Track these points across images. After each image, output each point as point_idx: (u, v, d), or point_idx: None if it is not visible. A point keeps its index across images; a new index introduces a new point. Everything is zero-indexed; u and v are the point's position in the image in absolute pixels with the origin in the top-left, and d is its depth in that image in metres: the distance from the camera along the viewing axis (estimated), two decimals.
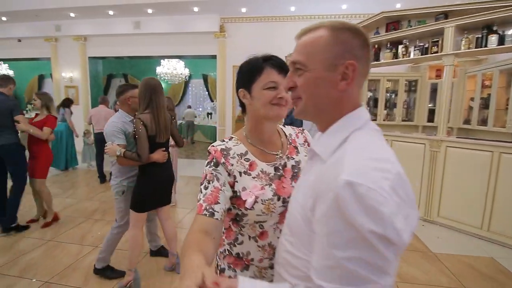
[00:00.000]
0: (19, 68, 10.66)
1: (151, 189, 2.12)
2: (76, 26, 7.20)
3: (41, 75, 11.75)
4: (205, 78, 12.13)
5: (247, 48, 6.80)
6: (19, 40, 7.85)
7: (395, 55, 4.08)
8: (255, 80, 0.90)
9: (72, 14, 6.75)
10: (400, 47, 3.98)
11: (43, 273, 2.37)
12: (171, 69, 9.98)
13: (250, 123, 0.93)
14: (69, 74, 7.70)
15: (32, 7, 6.41)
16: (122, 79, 12.58)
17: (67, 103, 6.01)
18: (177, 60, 10.01)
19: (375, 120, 6.27)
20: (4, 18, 7.10)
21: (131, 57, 7.85)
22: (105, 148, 2.09)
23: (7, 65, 10.77)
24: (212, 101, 12.22)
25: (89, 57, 7.61)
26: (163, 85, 10.80)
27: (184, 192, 4.60)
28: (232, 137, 0.93)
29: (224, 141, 0.91)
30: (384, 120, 6.27)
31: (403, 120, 5.88)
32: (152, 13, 6.48)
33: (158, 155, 2.10)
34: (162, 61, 10.01)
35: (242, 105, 0.95)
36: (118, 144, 2.07)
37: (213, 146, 0.89)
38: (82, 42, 7.42)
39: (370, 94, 6.59)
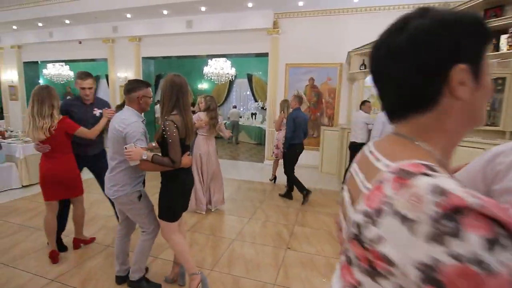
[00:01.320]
0: (78, 69, 11.27)
1: (180, 195, 2.03)
2: (132, 27, 7.35)
3: (97, 75, 12.45)
4: (250, 78, 11.92)
5: (301, 45, 6.39)
6: (80, 42, 8.26)
7: (495, 47, 3.40)
8: (483, 53, 0.49)
9: (128, 15, 6.88)
10: (503, 37, 3.30)
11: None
12: (218, 69, 9.92)
13: (449, 135, 0.50)
14: (124, 74, 7.92)
15: (93, 9, 6.64)
16: None
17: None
18: (224, 59, 9.93)
19: None
20: (67, 21, 7.48)
21: (181, 56, 7.84)
22: (126, 151, 1.82)
23: (68, 66, 11.57)
24: (256, 101, 12.00)
25: (142, 58, 7.75)
26: (209, 85, 10.86)
27: (239, 199, 4.32)
28: (432, 167, 0.41)
29: (433, 174, 0.39)
30: None
31: (485, 125, 5.04)
32: (205, 11, 6.35)
33: (187, 159, 1.97)
34: (209, 61, 10.01)
35: (431, 99, 0.48)
36: (141, 147, 1.87)
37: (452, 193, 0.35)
38: (136, 42, 7.57)
39: None
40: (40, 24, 7.86)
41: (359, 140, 4.50)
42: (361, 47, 4.94)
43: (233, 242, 2.92)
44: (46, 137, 2.32)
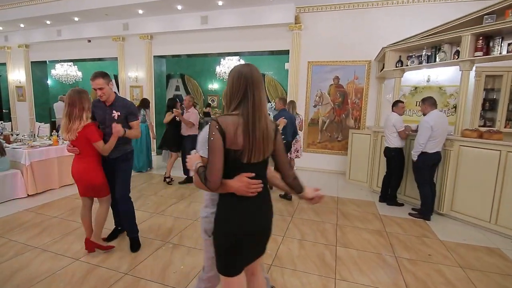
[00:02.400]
0: (86, 69, 11.03)
1: (233, 239, 1.32)
2: (143, 23, 6.97)
3: None
4: (262, 78, 11.47)
5: (325, 41, 5.93)
6: (89, 41, 7.92)
7: None
8: None
9: (140, 11, 6.50)
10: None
11: None
12: (230, 68, 9.49)
13: None
14: (135, 74, 7.55)
15: (103, 5, 6.27)
16: (179, 79, 12.53)
17: (147, 103, 5.93)
18: (237, 58, 9.52)
19: (490, 126, 5.01)
20: (76, 19, 7.14)
21: (192, 55, 7.44)
22: (187, 157, 1.41)
23: (76, 67, 11.24)
24: (269, 102, 11.56)
25: (154, 56, 7.37)
26: (220, 85, 10.45)
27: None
28: None
29: None
30: (505, 127, 4.98)
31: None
32: (222, 5, 5.93)
33: (239, 183, 1.27)
34: (222, 60, 9.61)
35: None
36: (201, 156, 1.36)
37: None
38: (148, 40, 7.19)
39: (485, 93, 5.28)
40: (48, 22, 7.54)
41: (392, 145, 4.02)
42: (397, 42, 4.46)
43: (271, 268, 2.49)
44: (75, 139, 2.46)
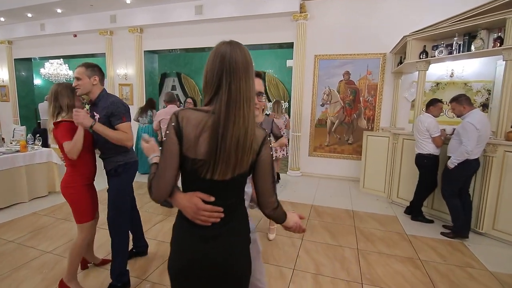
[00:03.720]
0: (75, 66, 10.41)
1: (171, 273, 1.05)
2: (132, 15, 6.34)
3: None
4: (262, 76, 10.84)
5: (334, 32, 5.27)
6: (75, 35, 7.29)
7: None
8: None
9: (128, 1, 5.87)
10: None
11: None
12: None
13: None
14: (124, 71, 6.91)
15: None
16: (175, 78, 11.88)
17: (153, 104, 5.58)
18: None
19: None
20: (59, 10, 6.50)
21: (188, 49, 6.78)
22: (142, 142, 1.19)
23: (67, 65, 10.56)
24: (270, 101, 10.92)
25: (144, 51, 6.73)
26: None
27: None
28: None
29: None
30: None
31: None
32: None
33: (187, 203, 0.96)
34: None
35: None
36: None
37: None
38: (138, 34, 6.56)
39: None
40: (29, 15, 6.90)
41: (425, 151, 3.38)
42: (422, 30, 3.82)
43: None
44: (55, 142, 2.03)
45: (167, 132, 0.92)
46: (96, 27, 6.73)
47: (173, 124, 0.92)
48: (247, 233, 1.08)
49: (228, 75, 0.91)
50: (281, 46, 6.01)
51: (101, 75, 2.08)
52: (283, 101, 10.17)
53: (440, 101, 3.40)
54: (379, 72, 5.08)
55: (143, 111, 5.42)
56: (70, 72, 10.79)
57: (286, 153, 5.11)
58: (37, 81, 11.57)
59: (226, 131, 0.90)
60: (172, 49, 6.79)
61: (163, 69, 11.66)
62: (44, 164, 4.17)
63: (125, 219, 2.14)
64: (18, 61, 8.45)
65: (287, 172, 5.80)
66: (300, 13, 5.27)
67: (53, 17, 6.97)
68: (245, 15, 5.51)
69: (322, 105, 5.49)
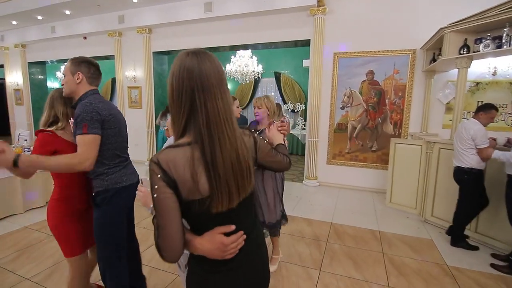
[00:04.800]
0: None
1: None
2: (140, 15, 6.07)
3: (114, 78, 11.38)
4: (278, 77, 10.39)
5: (356, 27, 4.73)
6: (85, 38, 7.13)
7: None
8: None
9: (135, 0, 5.59)
10: None
11: None
12: (242, 66, 8.49)
13: None
14: (132, 73, 6.67)
15: None
16: None
17: None
18: (250, 55, 8.50)
19: None
20: (67, 12, 6.34)
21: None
22: (138, 189, 1.14)
23: None
24: (285, 103, 10.45)
25: (153, 52, 6.46)
26: (232, 85, 9.47)
27: (282, 251, 2.77)
28: None
29: None
30: None
31: None
32: None
33: (211, 245, 0.84)
34: (232, 57, 8.62)
35: None
36: None
37: None
38: (146, 34, 6.28)
39: None
40: (39, 18, 6.80)
41: (466, 165, 2.80)
42: (462, 20, 3.24)
43: None
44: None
45: (156, 186, 0.77)
46: (105, 28, 6.52)
47: (159, 176, 0.77)
48: (264, 241, 1.07)
49: (201, 93, 0.79)
50: (296, 44, 5.54)
51: (89, 72, 1.63)
52: (298, 103, 9.69)
53: (495, 108, 2.78)
54: (408, 70, 4.51)
55: (163, 114, 5.20)
56: None
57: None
58: (55, 84, 11.70)
59: (215, 159, 0.79)
60: (182, 50, 6.47)
61: None
62: (40, 173, 3.91)
63: (117, 258, 1.69)
64: (31, 64, 8.44)
65: (303, 181, 5.30)
66: (317, 7, 4.78)
67: (63, 19, 6.84)
68: (257, 11, 5.08)
69: (342, 108, 4.97)
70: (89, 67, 1.63)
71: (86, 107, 1.51)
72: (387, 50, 4.57)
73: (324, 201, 4.37)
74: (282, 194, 2.44)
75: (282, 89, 10.39)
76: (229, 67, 8.58)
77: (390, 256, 2.77)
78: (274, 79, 10.57)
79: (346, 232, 3.29)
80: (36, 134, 1.62)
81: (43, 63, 8.76)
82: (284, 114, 4.65)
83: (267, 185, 2.29)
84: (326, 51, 4.91)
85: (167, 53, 6.75)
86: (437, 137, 3.91)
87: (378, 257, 2.75)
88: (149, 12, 5.97)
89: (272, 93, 10.84)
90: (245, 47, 6.32)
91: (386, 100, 4.69)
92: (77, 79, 1.59)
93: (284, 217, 2.52)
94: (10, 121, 8.96)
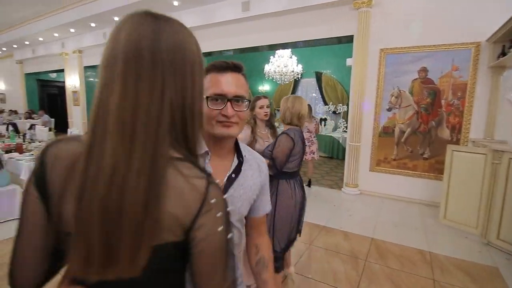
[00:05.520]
0: None
1: None
2: (179, 17, 6.08)
3: None
4: (318, 77, 9.97)
5: (407, 18, 4.18)
6: None
7: None
8: None
9: (175, 3, 5.72)
10: None
11: None
12: (281, 66, 8.28)
13: None
14: None
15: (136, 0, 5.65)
16: None
17: None
18: (289, 55, 8.26)
19: None
20: (116, 18, 6.72)
21: (236, 50, 6.36)
22: None
23: None
24: (326, 104, 9.98)
25: None
26: (271, 86, 9.31)
27: (314, 269, 2.51)
28: None
29: None
30: None
31: None
32: None
33: None
34: (271, 57, 8.46)
35: None
36: None
37: None
38: None
39: None
40: (93, 25, 7.34)
41: None
42: None
43: None
44: None
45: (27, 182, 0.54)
46: None
47: (35, 168, 0.53)
48: None
49: (176, 76, 0.55)
50: (341, 40, 5.13)
51: None
52: (340, 104, 9.18)
53: None
54: (470, 67, 3.90)
55: None
56: None
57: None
58: None
59: (85, 185, 0.47)
60: (222, 51, 6.49)
61: None
62: None
63: None
64: (87, 68, 9.18)
65: (342, 189, 4.91)
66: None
67: (112, 25, 7.28)
68: (296, 7, 4.83)
69: (389, 109, 4.49)
70: None
71: None
72: (444, 44, 4.01)
73: (365, 212, 3.96)
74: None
75: (323, 89, 9.95)
76: (267, 67, 8.45)
77: (443, 285, 2.34)
78: (314, 79, 10.18)
79: (389, 250, 2.90)
80: None
81: (96, 67, 9.49)
82: (313, 115, 4.37)
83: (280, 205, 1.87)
84: (371, 47, 4.48)
85: (209, 54, 6.80)
86: (506, 145, 3.30)
87: (427, 285, 2.34)
88: (189, 14, 6.06)
89: (314, 94, 10.46)
90: (284, 46, 6.09)
91: (442, 101, 4.11)
92: None
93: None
94: (68, 120, 9.86)
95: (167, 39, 0.51)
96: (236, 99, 0.81)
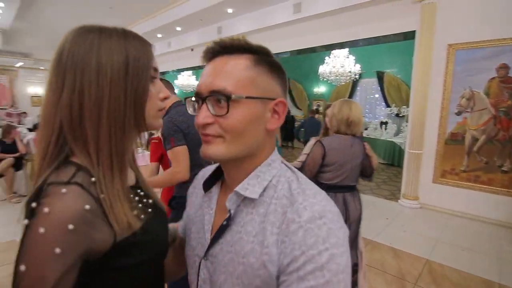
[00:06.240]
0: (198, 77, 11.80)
1: None
2: (234, 24, 6.44)
3: None
4: (380, 77, 9.27)
5: (480, 9, 3.64)
6: (192, 50, 8.09)
7: None
8: None
9: (229, 10, 5.95)
10: None
11: None
12: (336, 67, 7.92)
13: None
14: None
15: (195, 9, 6.04)
16: None
17: None
18: (346, 54, 7.85)
19: None
20: (178, 28, 7.31)
21: (287, 52, 6.30)
22: None
23: (194, 76, 12.02)
24: (388, 106, 9.21)
25: None
26: (327, 87, 9.04)
27: None
28: None
29: None
30: None
31: None
32: None
33: None
34: (327, 58, 8.16)
35: None
36: None
37: None
38: None
39: None
40: (159, 35, 8.10)
41: None
42: None
43: None
44: None
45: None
46: (206, 39, 7.21)
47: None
48: None
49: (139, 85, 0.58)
50: (406, 36, 4.64)
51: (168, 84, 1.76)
52: (405, 106, 8.37)
53: None
54: None
55: None
56: (196, 83, 12.39)
57: None
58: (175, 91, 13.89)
59: None
60: (278, 53, 6.50)
61: None
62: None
63: None
64: None
65: (399, 201, 4.46)
66: None
67: (176, 35, 7.95)
68: (349, 5, 4.58)
69: (459, 113, 3.92)
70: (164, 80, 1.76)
71: (168, 124, 1.55)
72: None
73: (424, 229, 3.52)
74: None
75: (386, 90, 9.24)
76: (321, 69, 8.17)
77: None
78: (375, 79, 9.50)
79: (447, 276, 2.52)
80: (148, 142, 1.83)
81: (164, 73, 10.45)
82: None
83: None
84: (437, 42, 3.97)
85: None
86: None
87: None
88: (242, 20, 6.25)
89: (376, 95, 9.76)
90: (340, 46, 5.83)
91: None
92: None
93: None
94: None
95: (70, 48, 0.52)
96: (214, 97, 0.50)
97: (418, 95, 4.17)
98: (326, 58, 8.14)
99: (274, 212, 0.49)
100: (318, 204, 0.48)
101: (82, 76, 0.50)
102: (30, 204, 0.45)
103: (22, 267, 0.43)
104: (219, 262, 0.52)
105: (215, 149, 0.51)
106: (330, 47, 6.03)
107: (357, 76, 8.25)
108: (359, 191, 1.90)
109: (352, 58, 7.92)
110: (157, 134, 1.77)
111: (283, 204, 0.50)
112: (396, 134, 8.30)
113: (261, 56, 0.54)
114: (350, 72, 7.97)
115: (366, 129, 8.81)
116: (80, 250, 0.46)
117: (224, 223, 0.53)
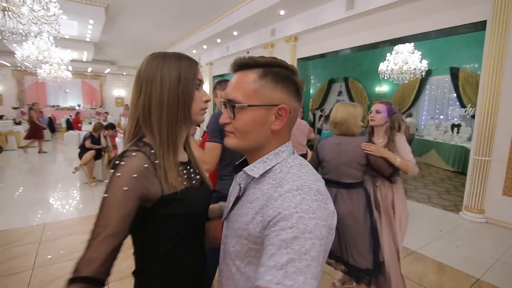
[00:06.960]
0: None
1: None
2: (287, 25, 6.50)
3: None
4: (455, 74, 8.23)
5: None
6: (248, 52, 8.41)
7: None
8: None
9: (282, 12, 6.04)
10: None
11: None
12: (399, 64, 7.30)
13: None
14: None
15: (250, 14, 6.29)
16: (342, 83, 11.31)
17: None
18: (410, 50, 7.19)
19: None
20: (235, 33, 7.70)
21: (339, 50, 6.08)
22: None
23: None
24: (463, 107, 8.10)
25: (298, 59, 6.74)
26: (389, 86, 8.40)
27: None
28: None
29: None
30: None
31: None
32: None
33: None
34: (388, 54, 7.59)
35: None
36: None
37: None
38: (292, 43, 6.65)
39: None
40: (218, 40, 8.64)
41: None
42: None
43: None
44: None
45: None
46: (261, 42, 7.44)
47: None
48: None
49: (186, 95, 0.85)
50: (476, 27, 4.12)
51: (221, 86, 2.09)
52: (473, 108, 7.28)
53: None
54: None
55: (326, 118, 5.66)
56: None
57: None
58: None
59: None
60: (337, 51, 6.32)
61: (331, 75, 11.40)
62: None
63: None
64: (215, 77, 10.88)
65: (460, 213, 3.96)
66: None
67: (233, 40, 8.38)
68: None
69: None
70: (220, 83, 2.10)
71: (212, 119, 1.71)
72: None
73: (482, 246, 3.09)
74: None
75: (461, 88, 8.17)
76: (382, 66, 7.64)
77: None
78: (449, 77, 8.46)
79: None
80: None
81: (221, 75, 11.10)
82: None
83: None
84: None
85: (311, 58, 6.85)
86: None
87: None
88: (295, 21, 6.28)
89: (454, 95, 8.71)
90: (403, 40, 5.41)
91: None
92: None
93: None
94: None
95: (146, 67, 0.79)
96: (229, 104, 0.67)
97: (488, 93, 3.65)
98: (388, 54, 7.59)
99: (268, 188, 0.64)
100: (299, 180, 0.61)
101: (151, 86, 0.75)
102: (115, 161, 0.72)
103: (105, 195, 0.69)
104: (230, 222, 0.72)
105: (230, 141, 0.71)
106: (393, 42, 5.61)
107: (423, 73, 7.50)
108: (365, 189, 1.84)
109: (418, 53, 7.23)
110: None
111: (277, 182, 0.63)
112: (470, 138, 7.27)
113: (268, 69, 0.66)
114: (415, 69, 7.29)
115: (416, 129, 8.05)
116: (139, 192, 0.70)
117: (238, 195, 0.72)
